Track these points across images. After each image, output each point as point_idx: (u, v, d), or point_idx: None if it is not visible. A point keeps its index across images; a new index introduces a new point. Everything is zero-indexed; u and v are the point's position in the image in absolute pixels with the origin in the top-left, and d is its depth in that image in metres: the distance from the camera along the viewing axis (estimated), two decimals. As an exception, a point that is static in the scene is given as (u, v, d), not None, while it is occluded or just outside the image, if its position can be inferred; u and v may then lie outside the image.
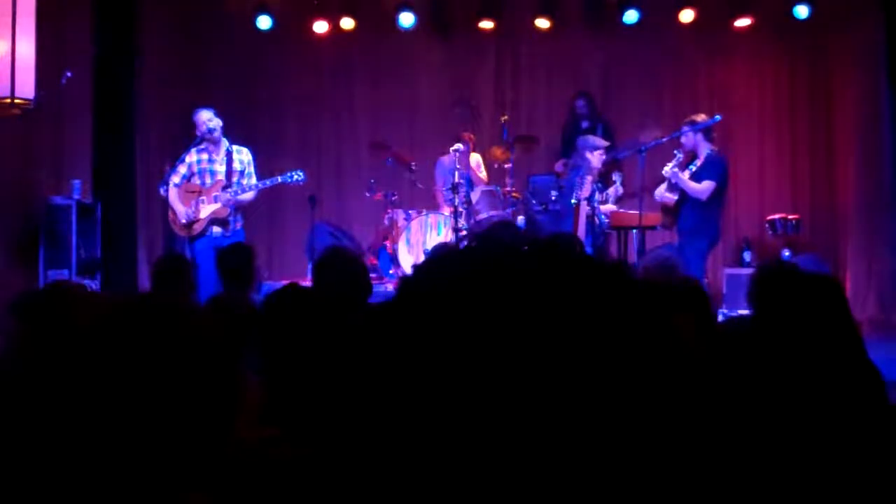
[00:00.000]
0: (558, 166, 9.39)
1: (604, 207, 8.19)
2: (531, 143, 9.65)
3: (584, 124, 9.38)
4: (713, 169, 7.36)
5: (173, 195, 7.24)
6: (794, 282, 2.65)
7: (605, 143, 8.19)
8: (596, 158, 8.01)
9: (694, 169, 7.41)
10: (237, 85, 9.94)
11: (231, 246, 5.49)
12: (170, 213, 7.32)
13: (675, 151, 7.48)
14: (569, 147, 9.40)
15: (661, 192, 7.55)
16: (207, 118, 7.20)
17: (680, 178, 7.34)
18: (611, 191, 8.18)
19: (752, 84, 10.06)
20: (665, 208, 7.57)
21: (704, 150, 7.45)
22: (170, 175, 7.29)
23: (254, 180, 7.27)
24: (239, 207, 7.28)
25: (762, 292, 3.27)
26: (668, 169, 7.39)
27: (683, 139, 7.49)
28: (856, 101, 9.33)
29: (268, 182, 7.24)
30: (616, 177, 8.41)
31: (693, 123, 7.49)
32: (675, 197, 7.42)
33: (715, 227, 7.48)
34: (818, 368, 2.32)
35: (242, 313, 3.15)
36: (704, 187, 7.29)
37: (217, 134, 7.21)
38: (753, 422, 2.09)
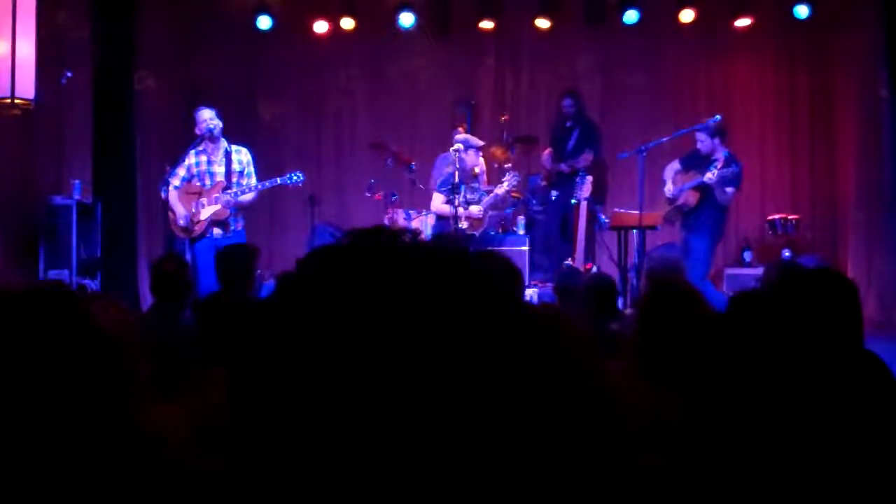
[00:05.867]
0: (545, 157, 9.42)
1: (473, 209, 7.97)
2: (531, 143, 9.65)
3: (567, 124, 9.39)
4: (735, 177, 7.50)
5: (173, 197, 7.22)
6: (803, 276, 2.67)
7: (481, 143, 8.14)
8: (471, 157, 7.96)
9: (715, 171, 7.43)
10: (237, 85, 9.94)
11: (231, 246, 5.47)
12: (170, 214, 7.30)
13: (714, 160, 7.51)
14: (555, 145, 9.43)
15: (670, 188, 7.62)
16: (209, 117, 7.17)
17: (718, 188, 7.45)
18: (487, 195, 7.91)
19: (753, 84, 10.06)
20: (677, 206, 7.63)
21: (721, 152, 7.55)
22: (169, 177, 7.26)
23: (254, 181, 7.25)
24: (239, 208, 7.26)
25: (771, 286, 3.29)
26: (711, 175, 7.44)
27: (700, 145, 7.61)
28: (856, 100, 9.33)
29: (267, 183, 7.22)
30: (510, 177, 8.10)
31: (706, 127, 7.57)
32: (697, 198, 7.53)
33: (724, 229, 7.89)
34: (825, 359, 2.33)
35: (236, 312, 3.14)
36: (729, 194, 7.54)
37: (216, 134, 7.20)
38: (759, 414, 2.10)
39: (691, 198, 7.56)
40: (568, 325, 1.29)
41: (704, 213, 7.55)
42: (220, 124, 7.19)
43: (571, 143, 9.17)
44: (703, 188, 7.50)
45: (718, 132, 7.61)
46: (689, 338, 2.50)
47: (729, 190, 7.50)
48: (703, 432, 2.17)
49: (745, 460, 2.05)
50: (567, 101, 9.36)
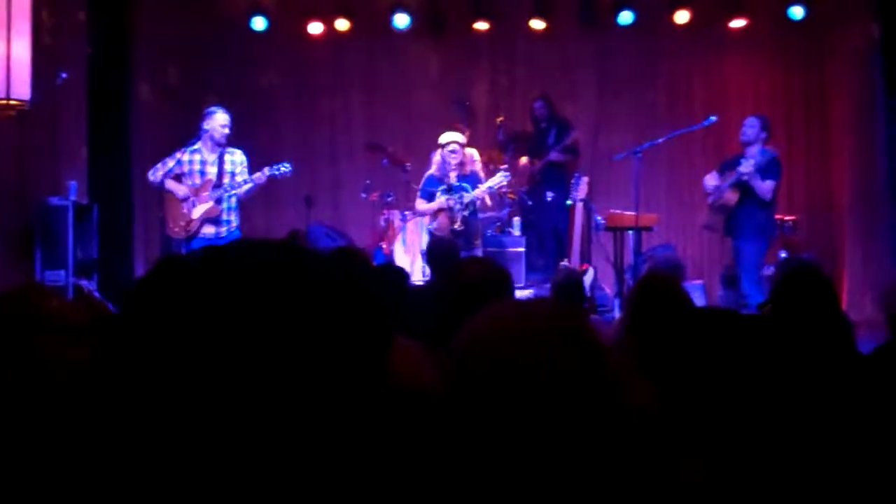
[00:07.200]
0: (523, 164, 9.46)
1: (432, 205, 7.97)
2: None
3: (542, 125, 9.48)
4: (772, 167, 7.31)
5: (171, 183, 7.13)
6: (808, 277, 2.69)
7: (453, 138, 8.05)
8: (455, 156, 7.90)
9: (751, 161, 7.25)
10: (232, 86, 9.92)
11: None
12: (169, 220, 7.23)
13: (748, 157, 7.36)
14: (536, 148, 9.48)
15: (710, 183, 7.45)
16: (225, 123, 7.11)
17: (754, 178, 7.20)
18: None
19: (747, 85, 10.08)
20: (716, 209, 7.45)
21: (758, 148, 7.38)
22: (167, 173, 7.16)
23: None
24: (231, 208, 7.19)
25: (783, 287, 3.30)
26: (743, 168, 7.22)
27: (746, 129, 7.46)
28: (851, 101, 9.35)
29: (255, 178, 7.10)
30: (499, 177, 8.05)
31: (762, 119, 7.48)
32: (737, 196, 7.28)
33: (775, 227, 7.66)
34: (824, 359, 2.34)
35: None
36: (768, 186, 7.24)
37: (220, 140, 7.15)
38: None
39: (731, 196, 7.26)
40: (585, 325, 1.29)
41: (745, 212, 7.25)
42: (228, 133, 7.16)
43: (549, 142, 9.31)
44: (742, 186, 7.21)
45: (767, 128, 7.45)
46: (674, 337, 2.51)
47: (768, 182, 7.20)
48: (692, 430, 2.18)
49: (734, 460, 2.05)
50: (538, 104, 9.51)
